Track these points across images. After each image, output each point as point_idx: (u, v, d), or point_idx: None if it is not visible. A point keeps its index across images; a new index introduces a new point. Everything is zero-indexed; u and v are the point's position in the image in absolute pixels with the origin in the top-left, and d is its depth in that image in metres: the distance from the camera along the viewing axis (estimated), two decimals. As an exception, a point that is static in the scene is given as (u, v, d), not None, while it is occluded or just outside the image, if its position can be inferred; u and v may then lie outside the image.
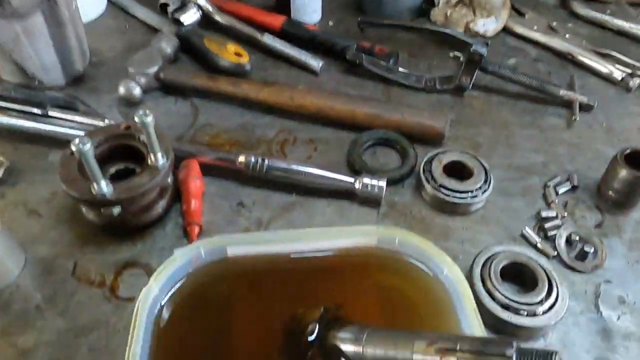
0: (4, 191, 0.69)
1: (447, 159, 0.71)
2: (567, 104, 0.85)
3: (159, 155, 0.61)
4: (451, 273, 0.50)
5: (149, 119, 0.56)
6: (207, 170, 0.71)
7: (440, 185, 0.68)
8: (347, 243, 0.54)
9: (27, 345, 0.54)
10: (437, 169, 0.70)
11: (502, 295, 0.56)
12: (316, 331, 0.48)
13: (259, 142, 0.78)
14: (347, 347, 0.47)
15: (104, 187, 0.58)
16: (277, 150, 0.77)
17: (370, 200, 0.69)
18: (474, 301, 0.48)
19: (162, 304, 0.49)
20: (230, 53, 0.86)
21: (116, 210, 0.62)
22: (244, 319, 0.53)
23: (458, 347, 0.40)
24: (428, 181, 0.69)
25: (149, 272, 0.61)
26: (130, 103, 0.83)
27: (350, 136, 0.78)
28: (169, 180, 0.67)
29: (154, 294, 0.48)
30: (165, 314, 0.49)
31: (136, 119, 0.56)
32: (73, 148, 0.52)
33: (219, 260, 0.53)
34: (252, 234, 0.53)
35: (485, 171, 0.70)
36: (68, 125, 0.74)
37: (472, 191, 0.68)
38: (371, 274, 0.55)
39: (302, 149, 0.78)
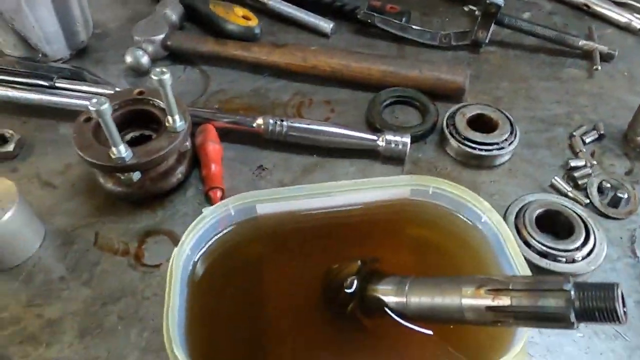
0: (15, 165, 0.67)
1: (470, 112, 0.69)
2: (587, 55, 0.83)
3: (177, 117, 0.59)
4: (490, 218, 0.49)
5: (167, 77, 0.54)
6: (224, 135, 0.69)
7: (465, 139, 0.66)
8: (379, 195, 0.53)
9: (54, 315, 0.53)
10: (461, 123, 0.68)
11: (539, 243, 0.55)
12: (355, 285, 0.46)
13: (273, 106, 0.76)
14: (389, 299, 0.46)
15: (123, 151, 0.55)
16: (293, 113, 0.75)
17: (393, 158, 0.67)
18: (516, 244, 0.46)
19: (195, 261, 0.48)
20: (237, 16, 0.83)
21: (136, 175, 0.60)
22: (277, 276, 0.51)
23: (511, 287, 0.38)
24: (452, 135, 0.67)
25: (173, 238, 0.59)
26: (138, 73, 0.80)
27: (367, 96, 0.76)
28: (187, 144, 0.64)
29: (186, 253, 0.46)
30: (199, 271, 0.48)
31: (153, 77, 0.54)
32: (91, 108, 0.50)
33: (249, 218, 0.51)
34: (281, 189, 0.51)
35: (510, 123, 0.68)
36: (76, 95, 0.71)
37: (498, 143, 0.66)
38: (405, 225, 0.53)
39: (319, 111, 0.75)
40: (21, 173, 0.66)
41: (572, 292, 0.36)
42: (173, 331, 0.40)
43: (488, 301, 0.39)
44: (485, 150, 0.65)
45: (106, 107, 0.50)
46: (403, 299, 0.44)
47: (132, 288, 0.55)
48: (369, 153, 0.68)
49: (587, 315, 0.35)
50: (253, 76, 0.81)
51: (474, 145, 0.66)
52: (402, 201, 0.53)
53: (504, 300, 0.38)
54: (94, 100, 0.50)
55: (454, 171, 0.67)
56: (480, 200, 0.50)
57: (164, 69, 0.55)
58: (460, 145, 0.66)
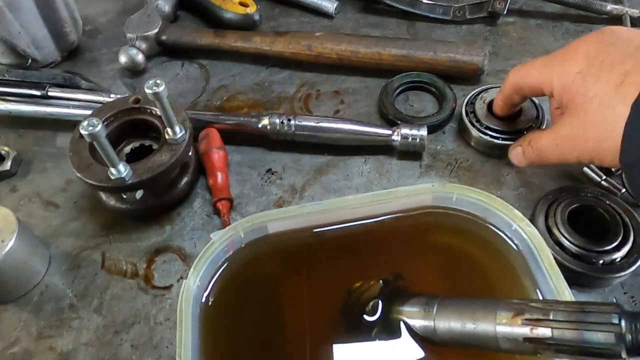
0: (15, 184, 0.64)
1: (490, 96, 0.64)
2: (616, 20, 0.76)
3: (177, 128, 0.55)
4: (521, 227, 0.45)
5: (162, 89, 0.50)
6: (229, 137, 0.65)
7: (487, 128, 0.62)
8: (399, 205, 0.49)
9: (66, 347, 0.51)
10: (481, 110, 0.63)
11: (573, 244, 0.51)
12: (379, 309, 0.43)
13: (279, 101, 0.72)
14: (415, 322, 0.43)
15: (123, 170, 0.52)
16: (300, 107, 0.70)
17: (410, 152, 0.63)
18: (551, 257, 0.43)
19: (206, 294, 0.45)
20: (234, 4, 0.78)
21: (138, 193, 0.57)
22: (294, 297, 0.48)
23: (551, 317, 0.35)
24: (473, 125, 0.62)
25: (183, 256, 0.56)
26: (133, 72, 0.76)
27: (379, 82, 0.71)
28: (190, 154, 0.61)
29: (196, 285, 0.43)
30: (210, 301, 0.45)
31: (147, 91, 0.50)
32: (83, 132, 0.46)
33: (260, 237, 0.48)
34: (293, 208, 0.47)
35: (535, 106, 0.63)
36: (72, 104, 0.68)
37: (524, 130, 0.61)
38: (428, 236, 0.50)
39: (328, 103, 0.71)
40: (21, 193, 0.63)
41: (623, 325, 0.32)
42: (188, 376, 0.37)
43: (526, 331, 0.36)
44: (511, 139, 0.61)
45: (99, 129, 0.47)
46: (431, 323, 0.41)
47: (144, 313, 0.53)
48: (384, 149, 0.64)
49: (641, 349, 0.31)
50: (256, 68, 0.76)
51: (497, 135, 0.61)
52: (424, 210, 0.49)
53: (544, 331, 0.35)
54: (85, 123, 0.47)
55: (475, 163, 0.62)
56: (510, 207, 0.45)
57: (158, 81, 0.50)
58: (482, 136, 0.61)
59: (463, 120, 0.63)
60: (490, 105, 0.63)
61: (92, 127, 0.47)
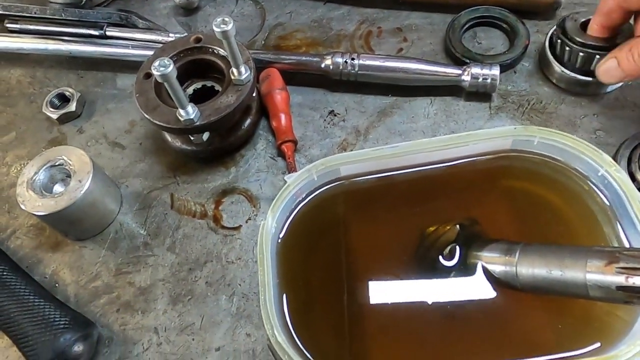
0: (81, 125, 0.65)
1: (583, 17, 0.57)
2: None
3: (242, 68, 0.54)
4: (609, 173, 0.43)
5: (230, 28, 0.48)
6: (290, 78, 0.63)
7: (585, 45, 0.55)
8: (475, 150, 0.47)
9: (144, 282, 0.53)
10: (574, 29, 0.56)
11: (658, 190, 0.49)
12: (457, 254, 0.43)
13: (338, 39, 0.69)
14: (495, 267, 0.42)
15: (191, 112, 0.52)
16: (361, 46, 0.68)
17: (479, 93, 0.60)
18: (641, 204, 0.41)
19: (282, 234, 0.45)
20: None
21: (205, 135, 0.57)
22: (365, 238, 0.48)
23: (650, 266, 0.34)
24: (567, 45, 0.56)
25: (249, 197, 0.57)
26: (188, 10, 0.74)
27: (444, 18, 0.67)
28: (254, 95, 0.60)
29: (272, 229, 0.43)
30: (286, 240, 0.45)
31: (215, 29, 0.48)
32: (155, 72, 0.46)
33: (332, 180, 0.48)
34: (367, 151, 0.46)
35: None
36: (131, 44, 0.67)
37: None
38: (504, 181, 0.48)
39: (390, 41, 0.67)
40: (88, 134, 0.64)
41: None
42: (272, 314, 0.38)
43: (620, 279, 0.35)
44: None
45: (171, 69, 0.46)
46: (512, 269, 0.41)
47: (215, 252, 0.54)
48: (452, 89, 0.61)
49: None
50: (313, 3, 0.73)
51: (598, 52, 0.54)
52: (502, 153, 0.47)
53: (641, 280, 0.34)
54: (157, 63, 0.46)
55: (549, 105, 0.59)
56: (599, 152, 0.43)
57: (226, 18, 0.48)
58: (566, 71, 0.57)
59: (545, 54, 0.59)
60: (583, 24, 0.57)
61: (164, 67, 0.46)
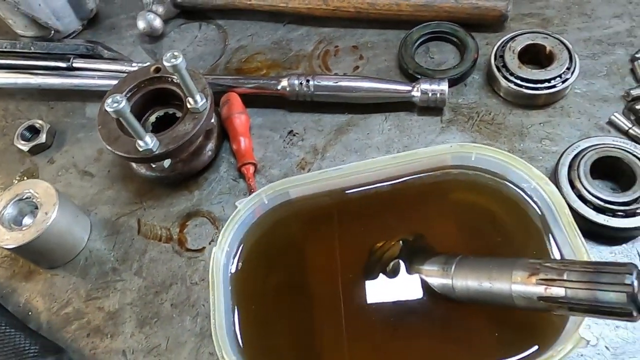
0: (51, 155, 0.68)
1: (519, 44, 0.61)
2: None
3: (198, 97, 0.56)
4: (540, 185, 0.45)
5: (179, 61, 0.51)
6: (249, 100, 0.65)
7: (518, 78, 0.60)
8: (419, 167, 0.49)
9: (113, 307, 0.55)
10: (513, 61, 0.61)
11: (595, 197, 0.51)
12: (400, 270, 0.45)
13: (298, 59, 0.71)
14: (434, 280, 0.45)
15: (150, 142, 0.54)
16: (319, 65, 0.70)
17: (431, 108, 0.62)
18: (570, 214, 0.43)
19: (235, 259, 0.48)
20: (248, -41, 0.76)
21: (166, 162, 0.59)
22: (318, 257, 0.51)
23: (565, 277, 0.36)
24: (505, 77, 0.60)
25: (212, 219, 0.59)
26: (153, 37, 0.76)
27: (398, 34, 0.70)
28: (213, 120, 0.62)
29: (224, 254, 0.46)
30: (239, 265, 0.48)
31: (166, 64, 0.51)
32: (108, 109, 0.48)
33: (283, 203, 0.50)
34: (313, 174, 0.49)
35: (567, 49, 0.60)
36: (97, 75, 0.69)
37: (559, 76, 0.59)
38: (449, 195, 0.51)
39: (347, 59, 0.70)
40: (59, 164, 0.67)
41: (635, 285, 0.33)
42: (222, 337, 0.41)
43: (540, 290, 0.37)
44: (545, 87, 0.59)
45: (123, 105, 0.48)
46: (449, 281, 0.43)
47: (180, 275, 0.56)
48: (405, 105, 0.63)
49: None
50: (273, 25, 0.75)
51: (529, 85, 0.59)
52: (445, 169, 0.49)
53: (558, 291, 0.36)
54: (109, 101, 0.48)
55: (498, 116, 0.62)
56: (528, 166, 0.46)
57: (175, 52, 0.51)
58: (512, 86, 0.60)
59: (492, 72, 0.62)
60: (520, 54, 0.61)
61: (117, 104, 0.48)
